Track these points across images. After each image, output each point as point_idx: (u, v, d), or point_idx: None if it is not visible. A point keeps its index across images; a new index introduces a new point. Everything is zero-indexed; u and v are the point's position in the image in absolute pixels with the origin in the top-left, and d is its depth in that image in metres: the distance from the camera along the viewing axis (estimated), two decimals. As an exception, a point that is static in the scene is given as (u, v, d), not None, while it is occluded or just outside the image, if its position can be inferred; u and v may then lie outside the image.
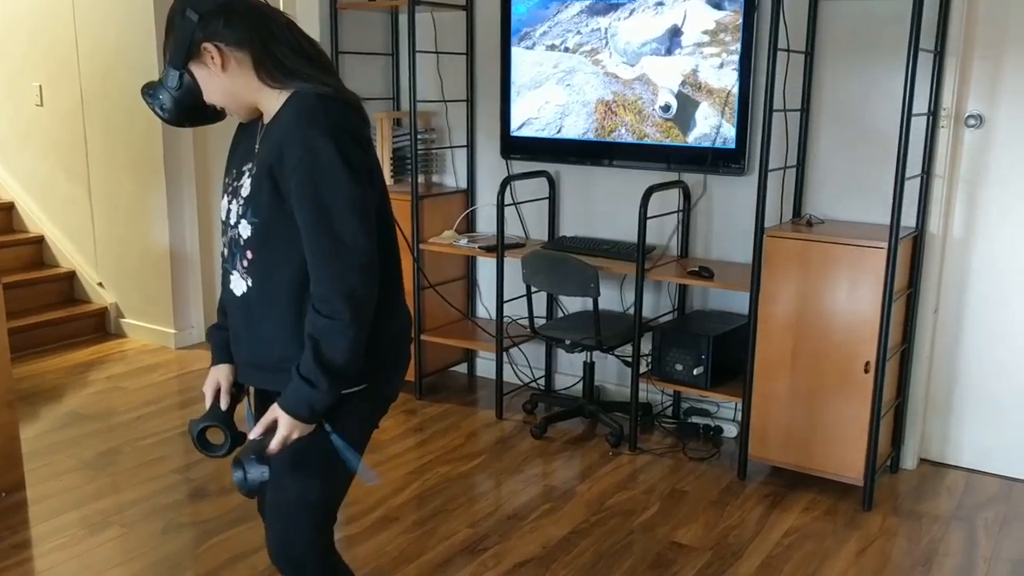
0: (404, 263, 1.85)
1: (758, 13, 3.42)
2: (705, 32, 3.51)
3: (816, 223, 3.34)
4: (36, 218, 5.38)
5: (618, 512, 3.15)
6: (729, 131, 3.54)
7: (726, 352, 3.47)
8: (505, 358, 4.05)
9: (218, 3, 1.63)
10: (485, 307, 4.41)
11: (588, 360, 3.86)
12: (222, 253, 1.78)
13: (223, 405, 1.84)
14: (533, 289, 3.78)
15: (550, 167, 4.07)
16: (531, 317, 3.83)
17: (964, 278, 3.38)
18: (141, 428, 3.84)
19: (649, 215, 3.47)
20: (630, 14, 3.66)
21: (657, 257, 3.74)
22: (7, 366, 3.17)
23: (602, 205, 4.00)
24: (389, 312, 1.76)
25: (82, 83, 4.96)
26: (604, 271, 3.56)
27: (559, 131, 3.94)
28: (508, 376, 4.17)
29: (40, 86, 5.15)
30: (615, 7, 3.70)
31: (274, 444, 1.67)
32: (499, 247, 3.82)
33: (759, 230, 3.20)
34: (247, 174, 1.70)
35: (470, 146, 4.29)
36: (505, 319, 3.95)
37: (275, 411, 1.68)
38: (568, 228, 4.11)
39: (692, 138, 3.62)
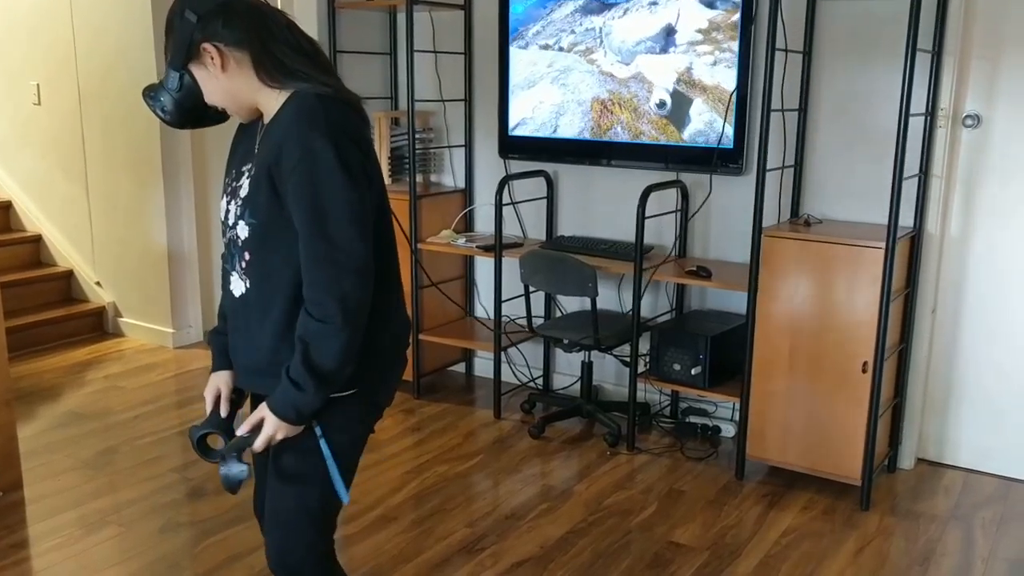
0: (403, 264, 1.84)
1: (756, 13, 3.42)
2: (699, 31, 3.53)
3: (814, 223, 3.34)
4: (34, 217, 5.38)
5: (616, 512, 3.15)
6: (727, 130, 3.55)
7: (724, 352, 3.47)
8: (503, 358, 4.05)
9: (217, 3, 1.62)
10: (483, 307, 4.41)
11: (586, 360, 3.86)
12: (223, 254, 1.77)
13: (223, 412, 1.83)
14: (531, 289, 3.79)
15: (548, 167, 4.07)
16: (529, 317, 3.84)
17: (962, 278, 3.39)
18: (139, 427, 3.84)
19: (647, 215, 3.47)
20: (624, 13, 3.67)
21: (655, 257, 3.74)
22: (5, 365, 3.17)
23: (600, 205, 4.01)
24: (385, 316, 1.75)
25: (80, 82, 4.95)
26: (602, 271, 3.57)
27: (555, 130, 3.94)
28: (506, 376, 4.17)
29: (38, 85, 5.15)
30: (609, 6, 3.71)
31: (258, 443, 1.67)
32: (497, 247, 3.82)
33: (757, 230, 3.20)
34: (246, 175, 1.69)
35: (468, 145, 4.29)
36: (503, 319, 3.96)
37: (263, 410, 1.67)
38: (566, 228, 4.11)
39: (687, 134, 3.63)
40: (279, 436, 1.67)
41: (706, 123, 3.59)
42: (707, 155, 3.60)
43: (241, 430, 1.71)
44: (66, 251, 5.29)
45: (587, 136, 3.87)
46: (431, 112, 4.35)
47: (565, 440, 3.76)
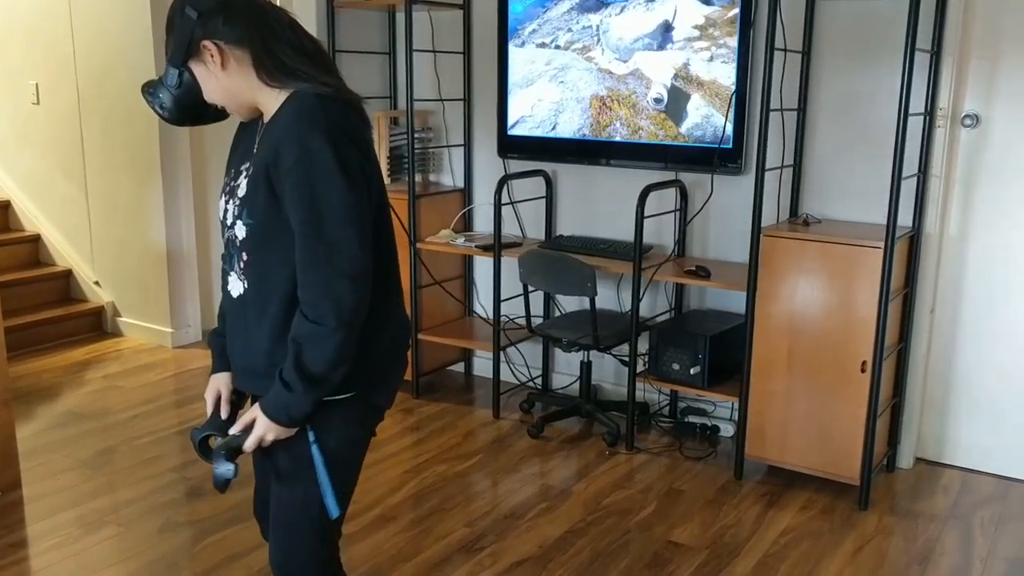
0: (403, 264, 1.83)
1: (755, 13, 3.42)
2: (695, 27, 3.53)
3: (813, 222, 3.34)
4: (32, 217, 5.37)
5: (615, 511, 3.15)
6: (726, 129, 3.55)
7: (723, 351, 3.47)
8: (502, 357, 4.05)
9: (218, 1, 1.61)
10: (482, 306, 4.41)
11: (585, 359, 3.86)
12: (222, 255, 1.76)
13: (223, 414, 1.82)
14: (530, 288, 3.79)
15: (547, 166, 4.08)
16: (528, 316, 3.84)
17: (961, 277, 3.39)
18: (137, 427, 3.83)
19: (646, 214, 3.47)
20: (621, 10, 3.68)
21: (655, 256, 3.74)
22: (3, 365, 3.16)
23: (599, 204, 4.01)
24: (384, 317, 1.73)
25: (79, 82, 4.95)
26: (601, 270, 3.57)
27: (553, 128, 3.94)
28: (505, 375, 4.17)
29: (37, 84, 5.15)
30: (606, 4, 3.71)
31: (248, 444, 1.66)
32: (496, 246, 3.82)
33: (756, 229, 3.20)
34: (244, 174, 1.68)
35: (467, 145, 4.29)
36: (502, 318, 3.95)
37: (255, 411, 1.67)
38: (565, 227, 4.11)
39: (684, 128, 3.64)
40: (269, 437, 1.66)
41: (703, 117, 3.59)
42: (706, 154, 3.61)
43: (234, 429, 1.70)
44: (65, 251, 5.28)
45: (587, 133, 3.87)
46: (430, 111, 4.35)
47: (564, 440, 3.76)
